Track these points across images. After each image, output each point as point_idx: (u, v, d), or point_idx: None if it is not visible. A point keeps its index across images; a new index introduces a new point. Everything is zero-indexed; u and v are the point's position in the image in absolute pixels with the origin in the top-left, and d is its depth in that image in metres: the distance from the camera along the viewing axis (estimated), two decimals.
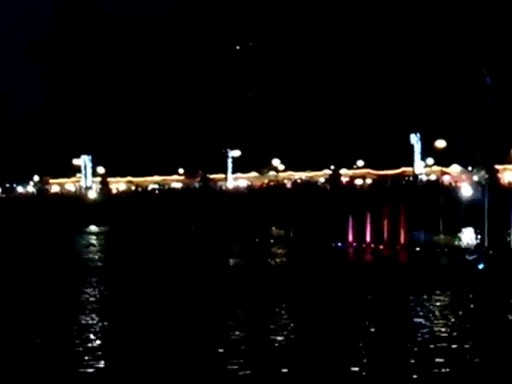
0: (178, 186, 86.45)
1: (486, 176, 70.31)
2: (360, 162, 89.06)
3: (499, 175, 71.63)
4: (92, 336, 21.26)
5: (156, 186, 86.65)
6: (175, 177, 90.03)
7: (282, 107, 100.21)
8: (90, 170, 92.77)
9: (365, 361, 18.25)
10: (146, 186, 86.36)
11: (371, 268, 35.01)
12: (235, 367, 17.68)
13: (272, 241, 48.89)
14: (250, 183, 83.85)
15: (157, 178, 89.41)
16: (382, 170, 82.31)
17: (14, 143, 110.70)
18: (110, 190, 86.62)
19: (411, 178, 77.15)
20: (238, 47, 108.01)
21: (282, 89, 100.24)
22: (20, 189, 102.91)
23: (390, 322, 23.67)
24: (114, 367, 17.90)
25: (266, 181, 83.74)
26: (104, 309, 25.91)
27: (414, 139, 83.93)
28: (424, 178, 78.56)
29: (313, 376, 17.15)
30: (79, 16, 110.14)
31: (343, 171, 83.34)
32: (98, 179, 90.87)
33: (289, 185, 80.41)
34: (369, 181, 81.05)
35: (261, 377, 17.16)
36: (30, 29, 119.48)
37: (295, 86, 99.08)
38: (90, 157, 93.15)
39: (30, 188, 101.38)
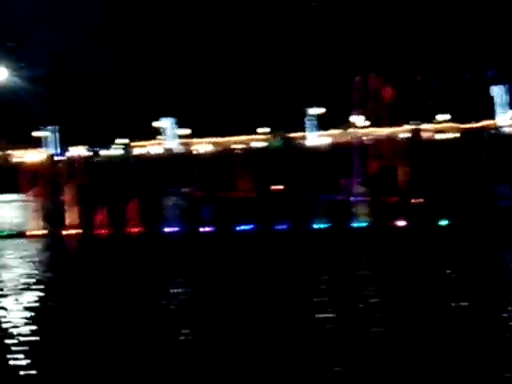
0: (260, 145, 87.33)
1: None
2: (441, 117, 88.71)
3: None
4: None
5: (239, 146, 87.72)
6: (256, 136, 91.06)
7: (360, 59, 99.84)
8: (173, 132, 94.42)
9: None
10: (230, 146, 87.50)
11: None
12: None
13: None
14: (332, 141, 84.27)
15: (240, 137, 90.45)
16: (464, 123, 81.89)
17: (96, 107, 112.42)
18: (192, 151, 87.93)
19: (494, 131, 76.63)
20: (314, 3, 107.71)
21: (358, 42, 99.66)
22: (103, 152, 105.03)
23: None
24: None
25: (349, 138, 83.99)
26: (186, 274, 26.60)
27: (496, 91, 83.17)
28: (507, 130, 77.98)
29: None
30: None
31: (424, 126, 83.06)
32: (182, 141, 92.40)
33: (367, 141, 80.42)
34: (450, 135, 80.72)
35: None
36: None
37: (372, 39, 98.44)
38: (172, 119, 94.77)
39: (113, 151, 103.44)
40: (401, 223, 35.27)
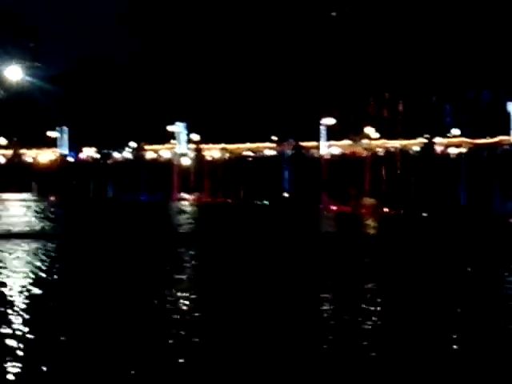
0: (271, 153, 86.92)
1: None
2: (455, 131, 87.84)
3: None
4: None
5: (250, 153, 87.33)
6: (268, 144, 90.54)
7: (374, 74, 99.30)
8: (184, 137, 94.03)
9: None
10: (240, 153, 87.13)
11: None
12: None
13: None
14: (342, 151, 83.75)
15: (250, 145, 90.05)
16: (478, 138, 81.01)
17: (110, 109, 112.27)
18: (203, 156, 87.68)
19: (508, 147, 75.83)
20: (333, 14, 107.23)
21: (374, 57, 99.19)
22: (116, 155, 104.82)
23: None
24: None
25: (361, 149, 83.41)
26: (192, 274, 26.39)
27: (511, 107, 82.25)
28: None
29: None
30: None
31: (437, 140, 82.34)
32: (193, 146, 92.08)
33: (381, 153, 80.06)
34: (464, 150, 79.88)
35: None
36: None
37: (389, 55, 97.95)
38: (184, 124, 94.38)
39: (126, 154, 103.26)
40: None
